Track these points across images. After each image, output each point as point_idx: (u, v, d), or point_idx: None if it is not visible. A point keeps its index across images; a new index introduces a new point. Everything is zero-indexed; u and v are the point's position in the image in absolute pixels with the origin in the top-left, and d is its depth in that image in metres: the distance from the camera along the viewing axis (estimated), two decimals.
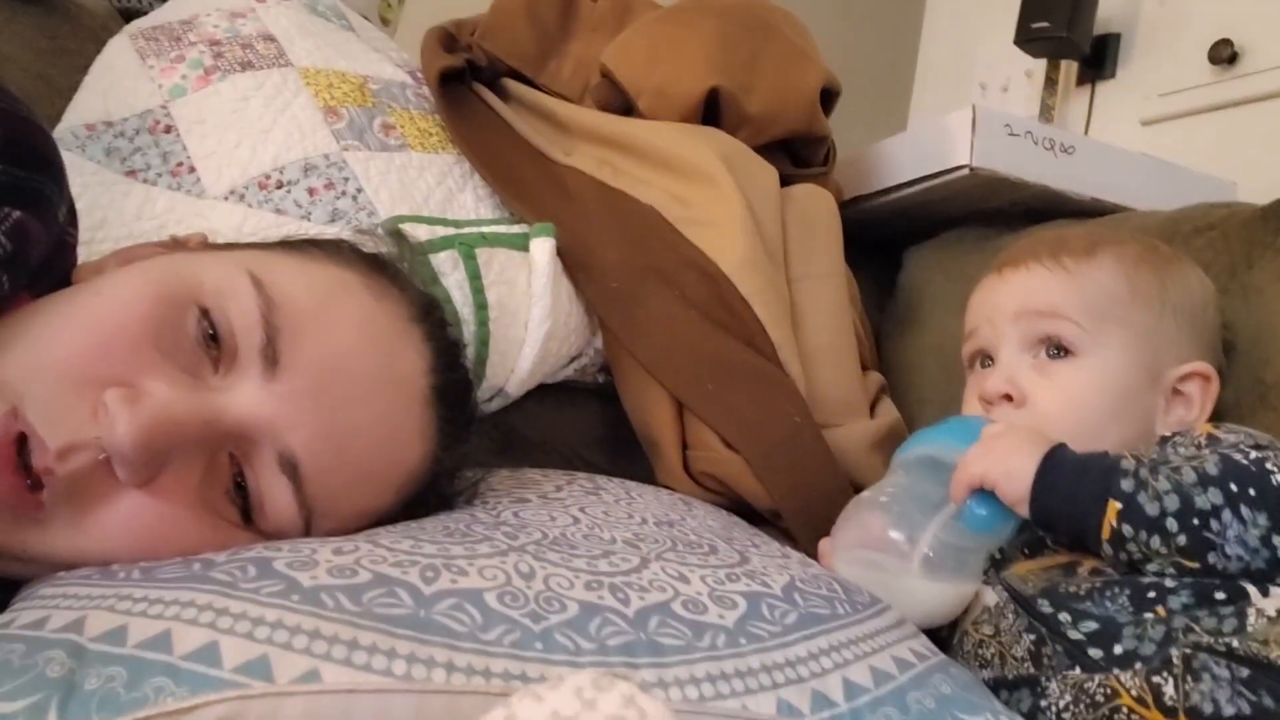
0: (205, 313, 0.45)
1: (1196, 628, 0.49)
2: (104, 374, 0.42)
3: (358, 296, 0.49)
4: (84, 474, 0.41)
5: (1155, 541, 0.50)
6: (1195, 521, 0.50)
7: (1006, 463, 0.54)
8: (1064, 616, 0.52)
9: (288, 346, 0.45)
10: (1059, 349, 0.65)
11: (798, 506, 0.69)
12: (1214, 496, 0.50)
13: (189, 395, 0.43)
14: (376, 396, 0.48)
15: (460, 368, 0.55)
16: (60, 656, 0.35)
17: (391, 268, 0.54)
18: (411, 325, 0.51)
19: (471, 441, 0.55)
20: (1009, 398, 0.65)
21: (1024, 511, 0.54)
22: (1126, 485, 0.51)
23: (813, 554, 0.64)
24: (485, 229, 0.74)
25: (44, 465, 0.40)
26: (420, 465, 0.51)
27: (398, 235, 0.64)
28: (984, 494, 0.55)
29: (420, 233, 0.71)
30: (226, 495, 0.44)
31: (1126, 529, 0.51)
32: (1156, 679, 0.47)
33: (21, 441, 0.41)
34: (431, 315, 0.53)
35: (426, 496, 0.52)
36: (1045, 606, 0.53)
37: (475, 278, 0.70)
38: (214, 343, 0.45)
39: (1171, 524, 0.50)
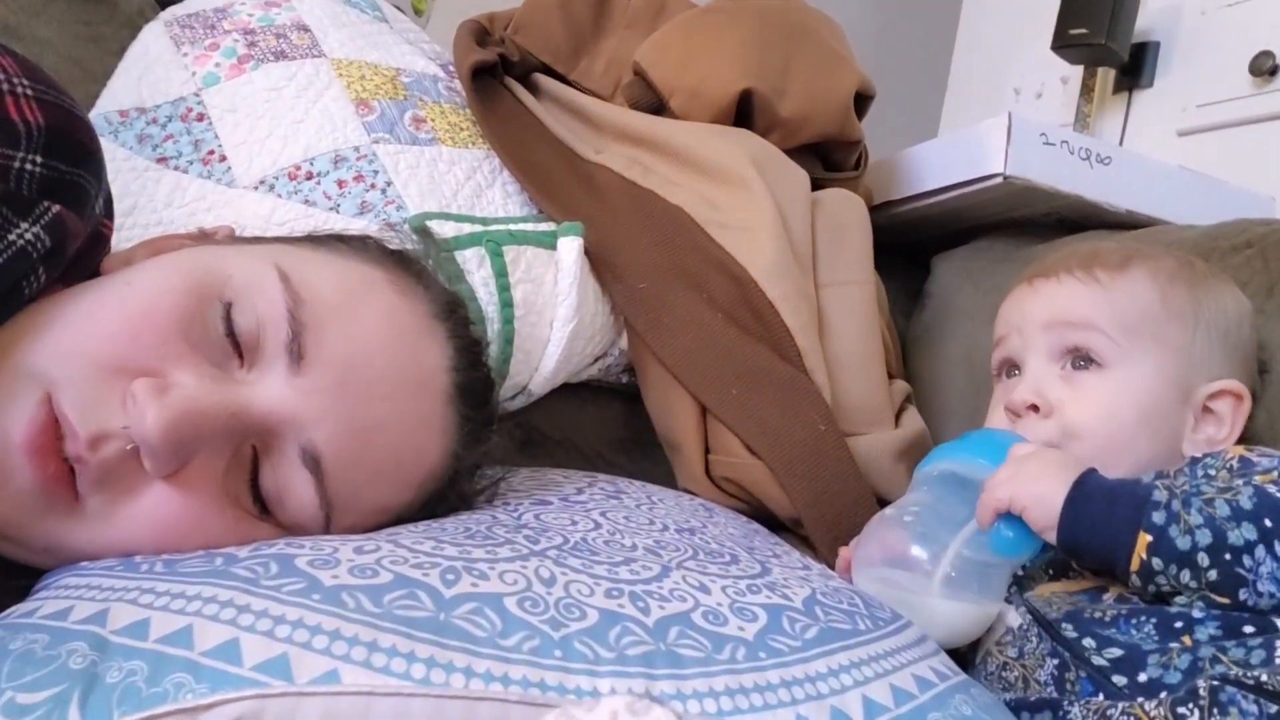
0: (232, 307, 0.45)
1: (1224, 659, 0.48)
2: (133, 363, 0.42)
3: (383, 293, 0.50)
4: (114, 463, 0.42)
5: (1185, 575, 0.49)
6: (1227, 557, 0.49)
7: (1035, 488, 0.53)
8: (1088, 642, 0.51)
9: (313, 342, 0.45)
10: (1088, 360, 0.64)
11: (820, 515, 0.69)
12: (1247, 532, 0.49)
13: (216, 387, 0.43)
14: (399, 394, 0.48)
15: (482, 366, 0.55)
16: (83, 648, 0.35)
17: (416, 265, 0.55)
18: (435, 323, 0.51)
19: (492, 440, 0.55)
20: (1035, 408, 0.64)
21: (1052, 538, 0.53)
22: (1158, 517, 0.50)
23: (833, 563, 0.64)
24: (513, 226, 0.74)
25: (76, 453, 0.41)
26: (441, 463, 0.51)
27: (424, 232, 0.65)
28: (1011, 517, 0.54)
29: (447, 229, 0.71)
30: (249, 487, 0.45)
31: (1156, 562, 0.50)
32: (1182, 710, 0.46)
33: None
34: (455, 313, 0.53)
35: (446, 494, 0.52)
36: (1069, 631, 0.53)
37: (501, 275, 0.70)
38: (240, 337, 0.45)
39: (1203, 558, 0.49)
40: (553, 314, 0.72)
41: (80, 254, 0.47)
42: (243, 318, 0.45)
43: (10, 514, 0.42)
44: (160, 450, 0.41)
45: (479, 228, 0.72)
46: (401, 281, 0.51)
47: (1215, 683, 0.46)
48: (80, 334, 0.43)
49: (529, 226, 0.75)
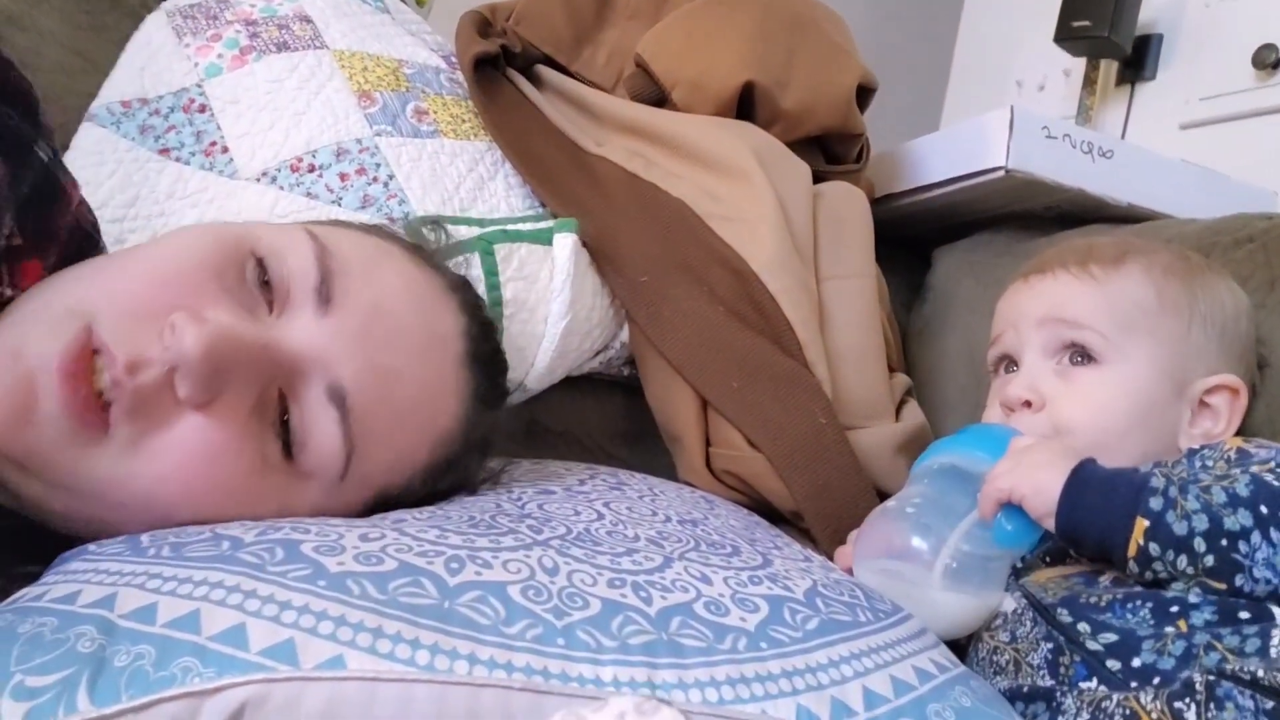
0: (261, 261, 0.47)
1: (1218, 645, 0.48)
2: (169, 303, 0.44)
3: (400, 260, 0.53)
4: (149, 391, 0.43)
5: (1182, 561, 0.50)
6: (1224, 543, 0.49)
7: (1035, 476, 0.54)
8: (1083, 626, 0.52)
9: (339, 289, 0.47)
10: (1083, 356, 0.64)
11: (820, 508, 0.69)
12: (1244, 518, 0.49)
13: (249, 324, 0.45)
14: (419, 347, 0.50)
15: (494, 340, 0.57)
16: (91, 632, 0.35)
17: (426, 250, 0.57)
18: (449, 294, 0.54)
19: (502, 413, 0.57)
20: (1029, 404, 0.64)
21: (1051, 525, 0.53)
22: (1155, 503, 0.51)
23: (833, 556, 0.64)
24: (509, 226, 0.74)
25: (114, 377, 0.42)
26: (454, 426, 0.52)
27: (431, 222, 0.66)
28: (1011, 508, 0.54)
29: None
30: (273, 429, 0.46)
31: (1154, 548, 0.50)
32: (1178, 704, 0.46)
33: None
34: (466, 291, 0.56)
35: (456, 464, 0.53)
36: (1064, 615, 0.53)
37: (491, 274, 0.70)
38: (269, 289, 0.47)
39: (1199, 544, 0.49)
40: (547, 310, 0.72)
41: (30, 203, 0.47)
42: (271, 269, 0.47)
43: (36, 442, 0.42)
44: (198, 369, 0.42)
45: (476, 230, 0.72)
46: (416, 257, 0.54)
47: (1212, 677, 0.46)
48: (118, 279, 0.46)
49: (526, 225, 0.75)
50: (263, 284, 0.47)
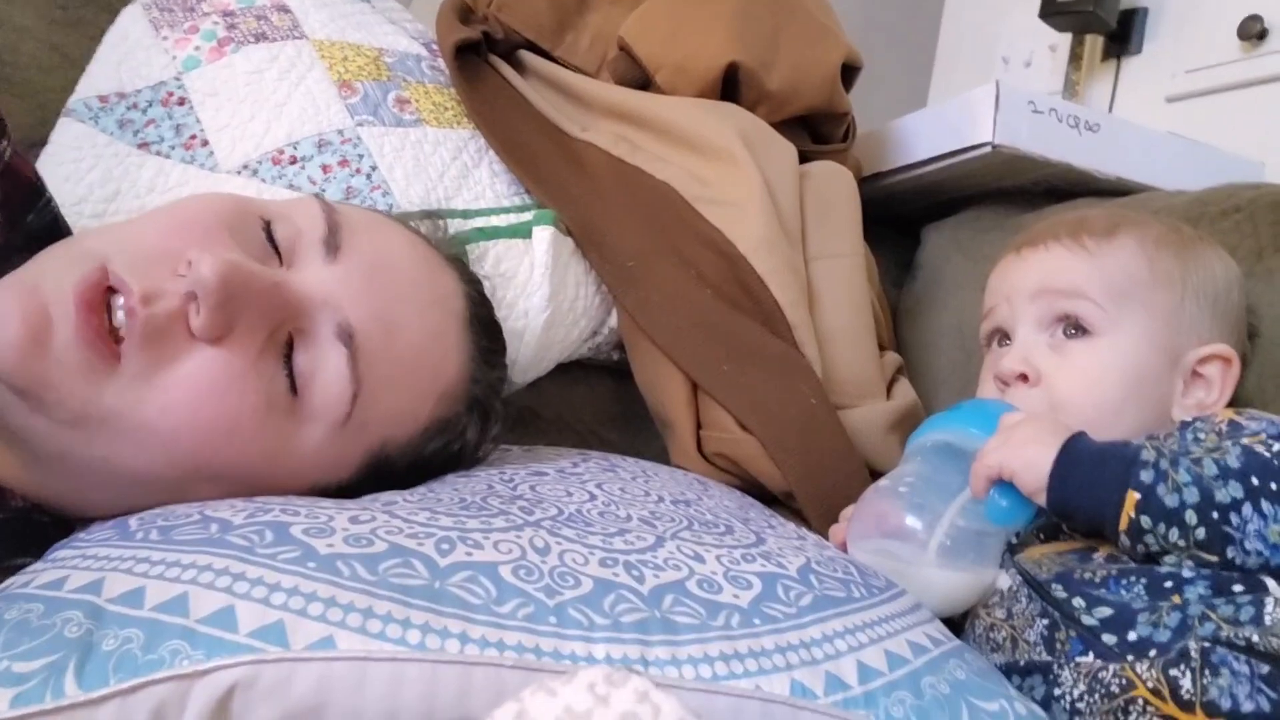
0: (271, 223, 0.49)
1: (1213, 615, 0.48)
2: (185, 247, 0.46)
3: (401, 229, 0.55)
4: (163, 321, 0.44)
5: (1174, 534, 0.49)
6: (1215, 515, 0.49)
7: (1024, 452, 0.53)
8: (1078, 602, 0.52)
9: (346, 240, 0.50)
10: (1077, 328, 0.64)
11: (812, 489, 0.69)
12: (1234, 490, 0.49)
13: (262, 267, 0.47)
14: (423, 299, 0.52)
15: (490, 307, 0.59)
16: (78, 617, 0.35)
17: (421, 233, 0.59)
18: (448, 264, 0.56)
19: (502, 370, 0.59)
20: (1024, 378, 0.64)
21: (1043, 501, 0.53)
22: (1146, 476, 0.50)
23: (825, 536, 0.64)
24: (483, 223, 0.73)
25: (129, 305, 0.43)
26: (457, 380, 0.53)
27: (426, 213, 0.66)
28: (1004, 484, 0.54)
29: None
30: (281, 368, 0.47)
31: (1145, 520, 0.50)
32: (1174, 671, 0.46)
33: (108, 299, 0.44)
34: (462, 265, 0.58)
35: (456, 423, 0.54)
36: (1059, 591, 0.53)
37: None
38: (279, 244, 0.49)
39: (1190, 517, 0.49)
40: (527, 305, 0.72)
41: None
42: (281, 230, 0.49)
43: (48, 371, 0.42)
44: (215, 296, 0.43)
45: (460, 223, 0.72)
46: (414, 232, 0.57)
47: (1206, 644, 0.46)
48: (134, 228, 0.48)
49: (503, 220, 0.74)
50: (272, 242, 0.49)
